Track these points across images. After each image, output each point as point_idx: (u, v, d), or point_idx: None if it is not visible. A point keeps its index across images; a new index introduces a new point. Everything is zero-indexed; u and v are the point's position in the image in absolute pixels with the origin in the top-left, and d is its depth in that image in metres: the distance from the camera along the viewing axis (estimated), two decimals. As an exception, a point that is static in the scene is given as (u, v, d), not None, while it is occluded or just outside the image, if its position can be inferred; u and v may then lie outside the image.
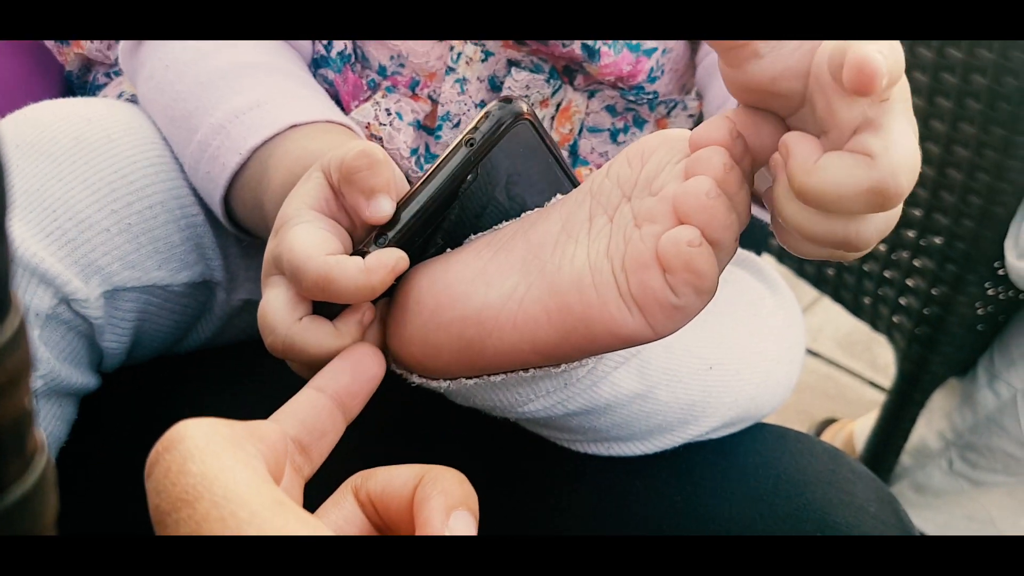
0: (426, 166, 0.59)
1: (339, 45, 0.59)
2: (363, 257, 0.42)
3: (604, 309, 0.40)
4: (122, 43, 0.58)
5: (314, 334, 0.42)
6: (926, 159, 0.97)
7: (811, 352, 1.60)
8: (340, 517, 0.39)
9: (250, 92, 0.52)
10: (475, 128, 0.44)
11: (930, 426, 1.14)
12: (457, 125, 0.59)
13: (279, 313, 0.42)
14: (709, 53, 0.64)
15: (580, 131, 0.63)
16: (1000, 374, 1.07)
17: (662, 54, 0.63)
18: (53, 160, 0.50)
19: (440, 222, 0.44)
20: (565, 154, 0.62)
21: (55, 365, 0.52)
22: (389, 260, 0.42)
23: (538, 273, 0.41)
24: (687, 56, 0.65)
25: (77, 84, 0.70)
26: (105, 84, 0.68)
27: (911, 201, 1.01)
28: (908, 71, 0.95)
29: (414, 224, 0.44)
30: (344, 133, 0.52)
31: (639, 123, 0.64)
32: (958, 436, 1.10)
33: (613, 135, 0.64)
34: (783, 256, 1.21)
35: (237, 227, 0.55)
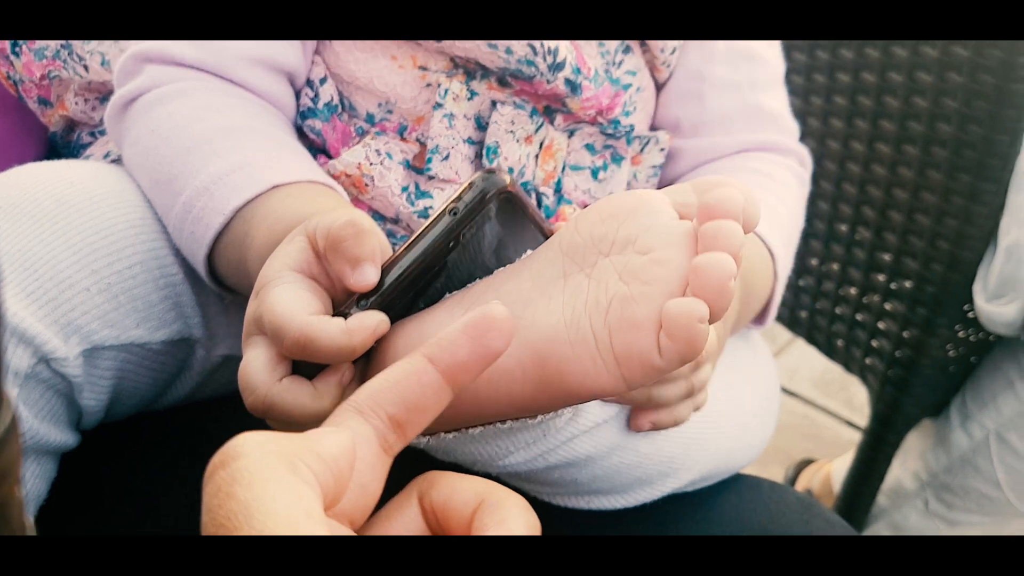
0: (411, 232, 0.60)
1: (325, 96, 0.60)
2: (345, 318, 0.43)
3: (579, 363, 0.40)
4: (108, 107, 0.59)
5: (294, 395, 0.42)
6: (895, 205, 0.99)
7: (788, 392, 1.61)
8: (402, 524, 0.37)
9: (233, 155, 0.53)
10: (459, 198, 0.44)
11: (905, 467, 1.15)
12: (447, 159, 0.60)
13: (259, 373, 0.43)
14: (668, 82, 0.66)
15: (563, 169, 0.64)
16: (973, 415, 1.08)
17: (636, 91, 0.64)
18: (35, 222, 0.51)
19: (423, 286, 0.45)
20: (550, 192, 0.64)
21: (34, 424, 0.52)
22: (371, 323, 0.42)
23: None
24: (654, 97, 0.67)
25: (61, 144, 0.70)
26: (89, 143, 0.68)
27: (881, 246, 1.03)
28: (876, 117, 0.97)
29: (396, 288, 0.44)
30: (326, 193, 0.53)
31: (617, 160, 0.65)
32: (933, 477, 1.12)
33: (594, 172, 0.65)
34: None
35: (220, 285, 0.56)
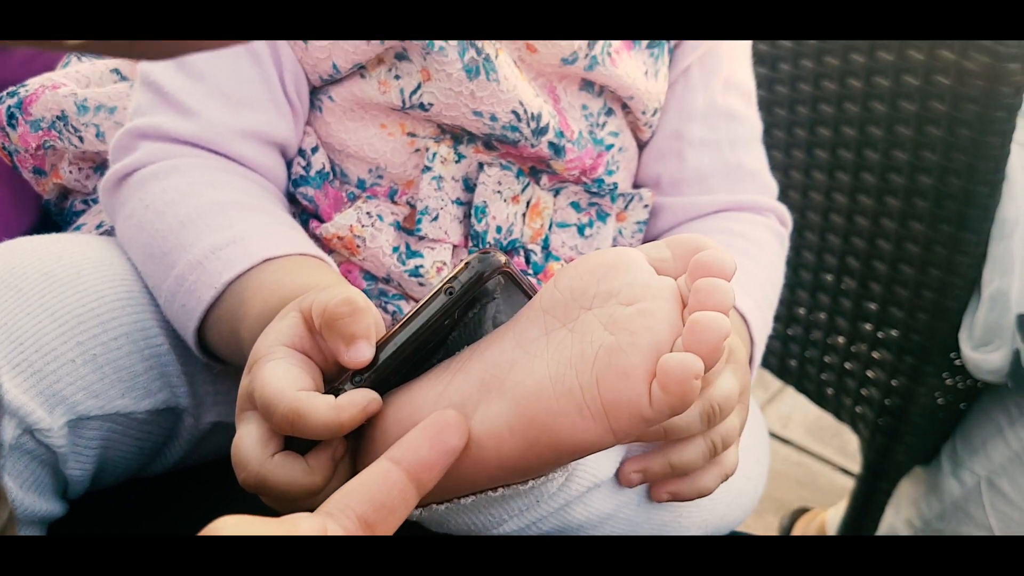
0: (406, 309, 0.61)
1: (317, 164, 0.61)
2: (336, 395, 0.43)
3: (567, 417, 0.41)
4: (103, 182, 0.60)
5: (286, 470, 0.43)
6: (879, 255, 1.00)
7: (781, 439, 1.61)
8: None
9: (226, 230, 0.54)
10: (455, 277, 0.45)
11: (898, 514, 1.15)
12: (436, 219, 0.61)
13: (252, 449, 0.43)
14: (649, 141, 0.67)
15: (550, 227, 0.65)
16: (964, 462, 1.09)
17: (619, 151, 0.65)
18: (22, 295, 0.52)
19: (418, 361, 0.46)
20: (538, 249, 0.65)
21: (19, 495, 0.52)
22: (361, 400, 0.43)
23: (497, 390, 0.43)
24: (637, 156, 0.68)
25: (54, 212, 0.71)
26: (83, 211, 0.69)
27: (867, 295, 1.04)
28: (857, 169, 0.99)
29: (391, 366, 0.45)
30: (318, 265, 0.54)
31: (602, 217, 0.66)
32: (926, 524, 1.11)
33: (580, 229, 0.66)
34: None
35: (208, 356, 0.56)
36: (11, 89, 0.67)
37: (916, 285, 0.98)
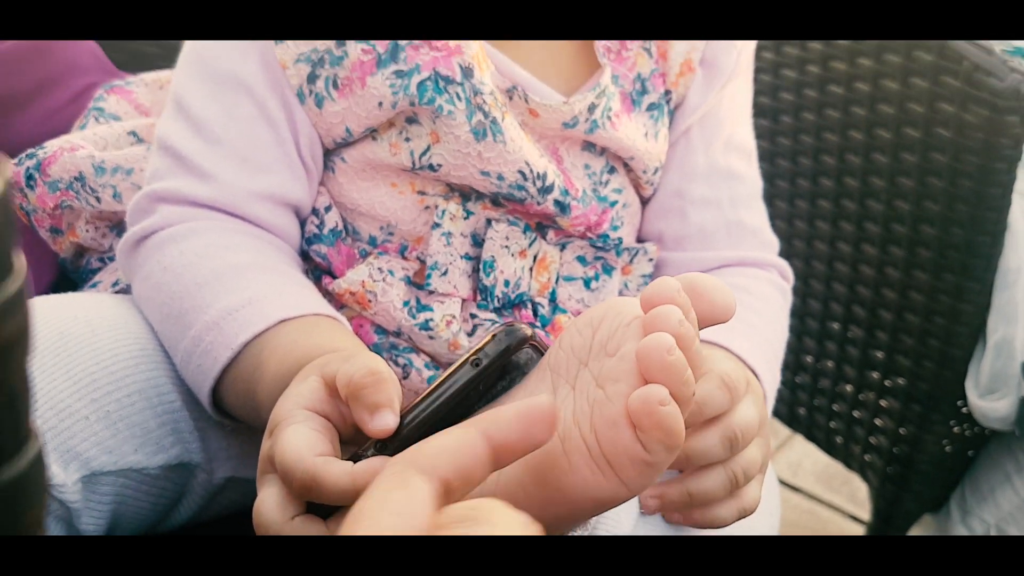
0: (434, 379, 0.61)
1: (330, 223, 0.63)
2: (356, 461, 0.44)
3: (578, 474, 0.41)
4: (120, 243, 0.61)
5: (305, 534, 0.44)
6: (884, 304, 1.01)
7: (791, 487, 1.61)
8: None
9: (242, 291, 0.55)
10: (481, 349, 0.45)
11: (909, 563, 1.15)
12: (445, 274, 0.62)
13: (272, 512, 0.44)
14: (652, 199, 0.68)
15: (557, 280, 0.66)
16: (972, 510, 1.09)
17: (622, 207, 0.67)
18: (37, 354, 0.53)
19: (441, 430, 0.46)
20: (545, 302, 0.66)
21: None
22: (378, 468, 0.43)
23: None
24: (640, 211, 0.69)
25: (70, 269, 0.73)
26: (99, 269, 0.71)
27: (874, 344, 1.04)
28: (860, 219, 1.00)
29: (413, 435, 0.45)
30: (332, 325, 0.55)
31: (608, 270, 0.67)
32: (937, 573, 1.11)
33: (586, 282, 0.67)
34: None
35: (223, 414, 0.57)
36: (30, 151, 0.69)
37: (922, 334, 0.99)
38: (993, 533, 1.06)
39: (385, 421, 0.44)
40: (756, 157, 0.72)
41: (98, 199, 0.68)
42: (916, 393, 1.02)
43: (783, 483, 1.62)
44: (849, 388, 1.10)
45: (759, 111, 1.08)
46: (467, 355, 0.46)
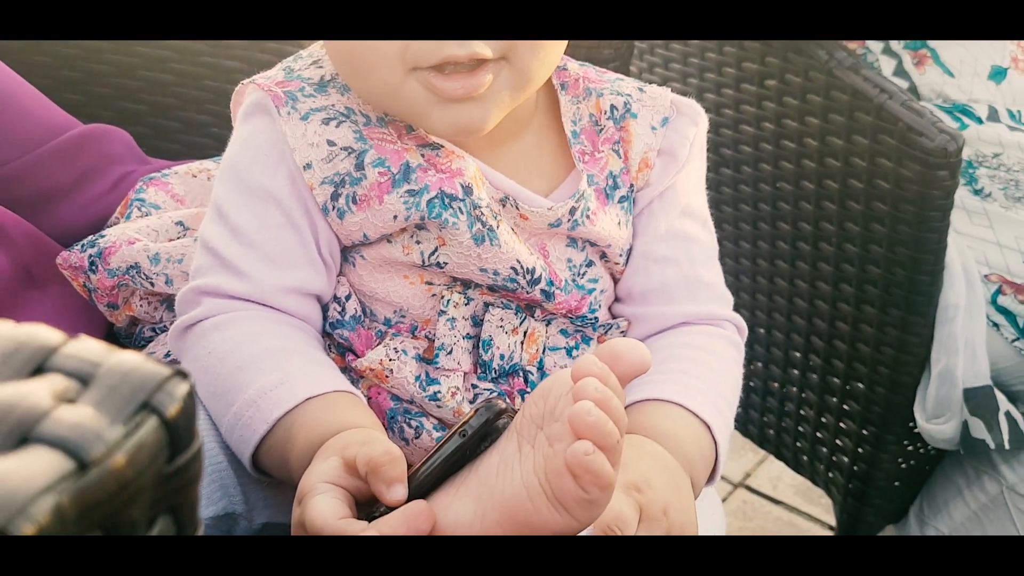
0: (425, 424, 0.71)
1: (351, 310, 0.73)
2: (371, 519, 0.54)
3: (539, 514, 0.52)
4: (171, 330, 0.70)
5: None
6: (839, 336, 1.11)
7: (772, 500, 1.71)
8: None
9: (275, 373, 0.65)
10: (467, 422, 0.56)
11: (874, 571, 1.25)
12: (450, 353, 0.72)
13: None
14: (628, 295, 0.79)
15: (544, 351, 0.76)
16: (929, 520, 1.19)
17: (600, 293, 0.77)
18: None
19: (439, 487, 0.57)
20: (534, 369, 0.76)
21: None
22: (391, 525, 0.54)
23: (488, 498, 0.54)
24: (614, 292, 0.79)
25: (123, 336, 0.83)
26: (151, 338, 0.81)
27: (832, 371, 1.14)
28: (815, 260, 1.10)
29: (416, 495, 0.55)
30: (351, 401, 0.65)
31: (586, 340, 0.77)
32: (898, 579, 1.21)
33: (568, 351, 0.77)
34: (730, 419, 1.35)
35: (261, 472, 0.67)
36: (91, 239, 0.79)
37: (873, 362, 1.09)
38: (947, 542, 1.16)
39: (398, 493, 0.55)
40: (711, 223, 0.82)
41: (152, 284, 0.78)
42: (871, 416, 1.12)
43: (764, 496, 1.72)
44: (811, 412, 1.20)
45: (720, 165, 1.19)
46: (456, 427, 0.56)
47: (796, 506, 1.70)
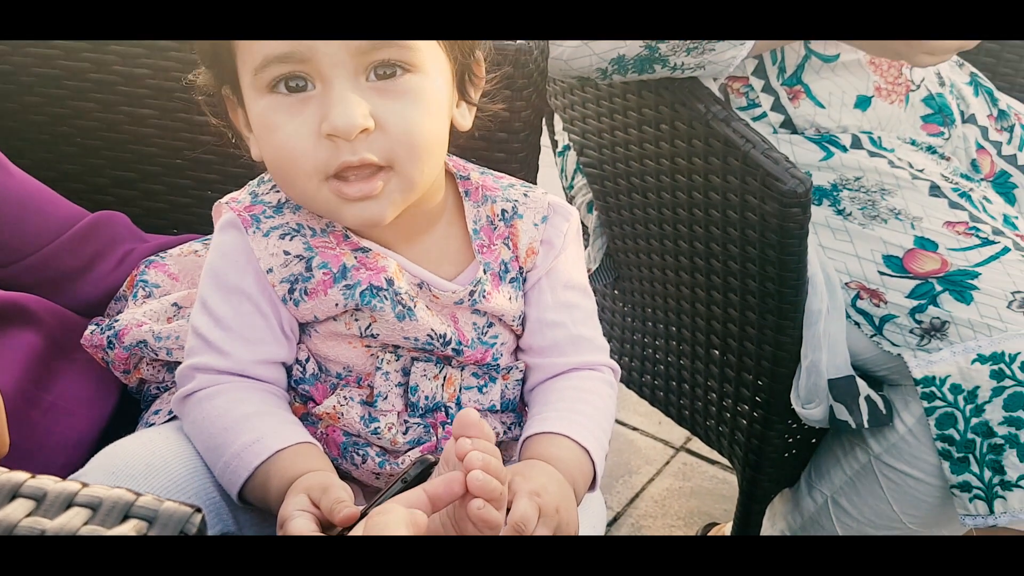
0: (370, 452, 0.92)
1: (310, 369, 0.93)
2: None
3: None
4: (174, 398, 0.90)
5: None
6: (731, 336, 1.33)
7: (709, 460, 1.94)
8: None
9: (252, 432, 0.84)
10: (406, 472, 0.75)
11: (774, 526, 1.47)
12: (386, 398, 0.92)
13: None
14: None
15: (460, 390, 0.97)
16: (815, 484, 1.41)
17: (501, 345, 0.97)
18: (132, 479, 0.80)
19: None
20: (453, 405, 0.96)
21: None
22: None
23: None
24: (514, 343, 1.00)
25: (134, 392, 1.04)
26: (157, 395, 1.02)
27: (728, 365, 1.36)
28: (708, 273, 1.31)
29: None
30: (311, 450, 0.85)
31: (492, 380, 0.97)
32: (793, 534, 1.44)
33: (480, 389, 0.97)
34: (654, 401, 1.58)
35: (246, 503, 0.88)
36: (109, 322, 1.00)
37: (758, 358, 1.30)
38: (830, 503, 1.38)
39: (350, 520, 0.74)
40: (590, 290, 1.02)
41: (156, 354, 0.99)
42: (759, 402, 1.34)
43: (703, 459, 1.95)
44: (715, 397, 1.42)
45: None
46: (399, 475, 0.76)
47: (730, 466, 1.93)
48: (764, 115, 1.33)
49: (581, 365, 0.98)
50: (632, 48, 1.19)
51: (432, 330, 0.91)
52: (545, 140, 1.34)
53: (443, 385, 0.94)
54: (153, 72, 1.20)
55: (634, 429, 2.03)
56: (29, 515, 0.45)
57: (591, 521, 0.95)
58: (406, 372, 0.93)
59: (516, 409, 0.99)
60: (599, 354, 1.00)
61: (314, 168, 0.82)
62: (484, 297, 0.93)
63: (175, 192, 1.27)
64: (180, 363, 0.92)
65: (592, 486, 0.92)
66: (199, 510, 0.46)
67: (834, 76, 1.34)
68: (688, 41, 1.18)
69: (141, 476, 0.82)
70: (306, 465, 0.82)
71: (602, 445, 0.94)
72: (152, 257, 1.06)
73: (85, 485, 0.47)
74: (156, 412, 0.98)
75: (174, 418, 0.94)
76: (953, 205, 1.27)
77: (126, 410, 1.02)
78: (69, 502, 0.46)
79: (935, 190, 1.28)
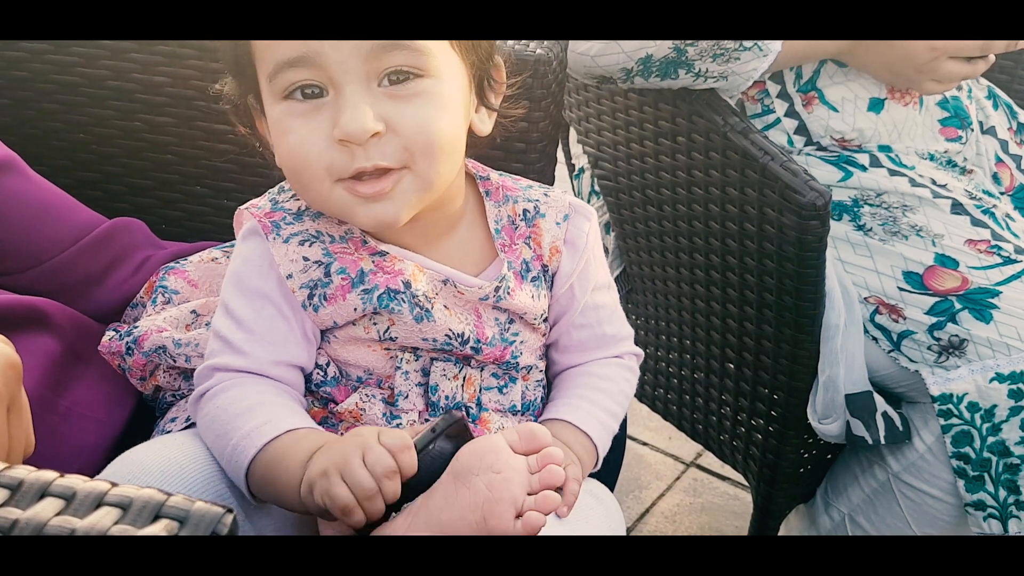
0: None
1: (331, 372, 0.93)
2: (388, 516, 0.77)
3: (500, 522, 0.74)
4: (191, 397, 0.90)
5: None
6: (747, 349, 1.32)
7: (720, 476, 1.93)
8: None
9: (263, 415, 0.84)
10: (436, 424, 0.77)
11: (788, 543, 1.46)
12: (407, 398, 0.93)
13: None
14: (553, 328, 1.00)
15: (480, 390, 0.97)
16: (832, 501, 1.40)
17: (520, 343, 0.97)
18: (150, 481, 0.83)
19: (410, 495, 0.77)
20: (474, 405, 0.96)
21: None
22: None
23: (436, 526, 0.75)
24: (538, 342, 1.00)
25: (149, 399, 1.04)
26: (172, 403, 1.02)
27: (743, 379, 1.35)
28: (724, 286, 1.30)
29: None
30: (316, 432, 0.85)
31: (513, 380, 0.98)
32: (808, 550, 1.43)
33: (500, 389, 0.98)
34: (667, 415, 1.57)
35: (253, 495, 0.88)
36: (128, 328, 1.00)
37: (774, 372, 1.30)
38: (847, 521, 1.38)
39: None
40: (614, 284, 1.03)
41: (174, 360, 0.99)
42: (775, 416, 1.33)
43: (714, 474, 1.94)
44: (730, 411, 1.41)
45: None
46: (429, 426, 0.77)
47: (741, 482, 1.91)
48: (778, 121, 1.33)
49: (602, 357, 0.99)
50: (661, 49, 1.20)
51: (450, 330, 0.91)
52: (559, 157, 1.34)
53: (463, 385, 0.94)
54: (172, 80, 1.20)
55: (644, 444, 2.02)
56: (58, 514, 0.45)
57: (608, 523, 0.95)
58: (426, 372, 0.93)
59: (537, 413, 0.99)
60: (621, 345, 1.02)
61: (326, 170, 0.83)
62: (509, 293, 0.93)
63: (192, 200, 1.27)
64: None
65: (597, 463, 0.97)
66: (231, 510, 0.46)
67: (847, 80, 1.34)
68: (716, 47, 1.19)
69: (156, 483, 0.82)
70: (313, 443, 0.82)
71: (605, 425, 0.97)
72: (171, 264, 1.06)
73: (115, 485, 0.46)
74: (172, 420, 0.98)
75: (190, 425, 0.93)
76: (975, 223, 1.26)
77: (141, 418, 1.02)
78: (99, 501, 0.46)
79: (957, 207, 1.27)
